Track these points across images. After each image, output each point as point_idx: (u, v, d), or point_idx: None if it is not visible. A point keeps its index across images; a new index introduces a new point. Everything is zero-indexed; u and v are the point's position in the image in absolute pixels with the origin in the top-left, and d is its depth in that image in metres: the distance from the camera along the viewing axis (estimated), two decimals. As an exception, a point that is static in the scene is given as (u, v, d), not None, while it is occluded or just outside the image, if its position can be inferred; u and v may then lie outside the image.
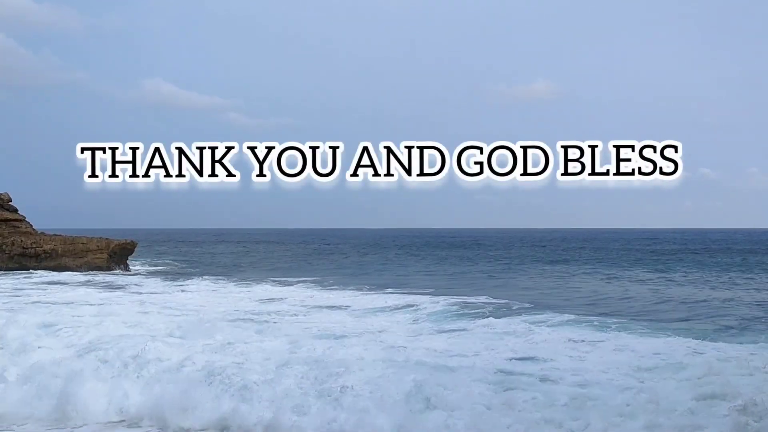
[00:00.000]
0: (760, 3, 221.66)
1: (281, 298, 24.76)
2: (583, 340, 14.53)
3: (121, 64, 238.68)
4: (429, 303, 22.13)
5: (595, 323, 17.09)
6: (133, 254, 43.69)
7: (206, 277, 36.07)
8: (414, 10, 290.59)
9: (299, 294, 26.66)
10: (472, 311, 20.14)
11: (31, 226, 42.73)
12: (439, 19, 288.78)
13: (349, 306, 22.44)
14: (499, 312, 19.99)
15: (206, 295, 26.09)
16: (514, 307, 21.40)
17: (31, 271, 37.62)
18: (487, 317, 18.15)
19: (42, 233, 42.46)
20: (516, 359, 12.30)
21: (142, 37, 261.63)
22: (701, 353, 12.59)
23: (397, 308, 21.48)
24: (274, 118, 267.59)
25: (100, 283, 31.92)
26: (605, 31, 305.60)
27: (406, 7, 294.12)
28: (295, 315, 20.00)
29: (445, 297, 24.19)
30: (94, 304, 21.46)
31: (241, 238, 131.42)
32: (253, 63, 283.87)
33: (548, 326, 16.63)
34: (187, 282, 32.31)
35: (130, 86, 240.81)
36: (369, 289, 28.43)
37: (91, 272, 37.84)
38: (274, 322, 17.90)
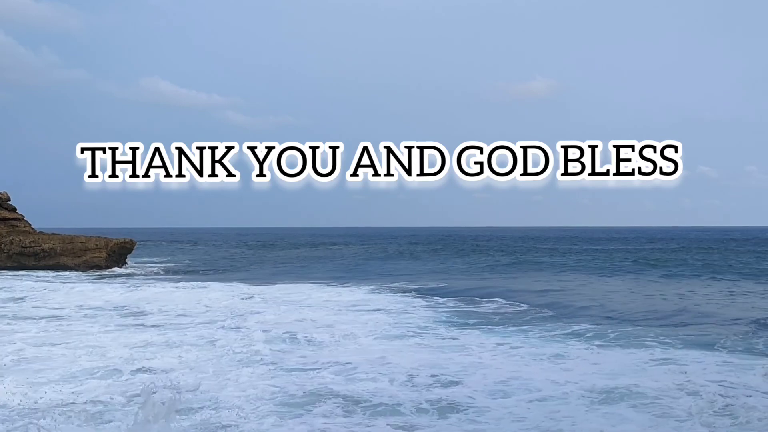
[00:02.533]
0: (760, 2, 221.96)
1: (260, 296, 24.47)
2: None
3: (119, 62, 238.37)
4: (423, 306, 22.21)
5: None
6: (131, 253, 43.68)
7: (183, 277, 35.81)
8: (413, 10, 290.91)
9: (286, 292, 26.29)
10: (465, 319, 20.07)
11: (30, 225, 42.63)
12: (439, 18, 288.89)
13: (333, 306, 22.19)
14: (498, 320, 19.78)
15: (190, 294, 25.59)
16: (520, 317, 20.14)
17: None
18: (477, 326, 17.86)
19: (41, 232, 42.38)
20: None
21: (140, 35, 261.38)
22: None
23: (390, 310, 21.46)
24: (273, 116, 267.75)
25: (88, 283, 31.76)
26: (604, 29, 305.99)
27: (405, 7, 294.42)
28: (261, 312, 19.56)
29: (452, 299, 24.21)
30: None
31: (241, 238, 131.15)
32: (252, 61, 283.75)
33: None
34: (177, 284, 31.85)
35: (129, 84, 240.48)
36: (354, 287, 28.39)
37: (89, 271, 37.89)
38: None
